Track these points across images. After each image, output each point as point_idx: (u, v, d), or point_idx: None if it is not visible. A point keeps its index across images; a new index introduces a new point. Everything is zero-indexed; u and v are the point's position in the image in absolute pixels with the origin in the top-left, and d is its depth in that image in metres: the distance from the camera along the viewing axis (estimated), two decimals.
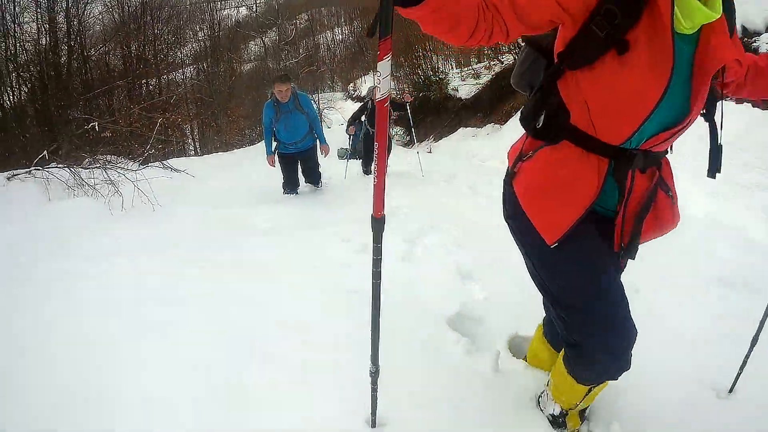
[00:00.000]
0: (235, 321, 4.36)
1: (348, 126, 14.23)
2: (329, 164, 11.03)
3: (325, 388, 3.57)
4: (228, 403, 3.40)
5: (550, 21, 2.26)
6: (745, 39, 11.60)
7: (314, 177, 11.57)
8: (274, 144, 10.75)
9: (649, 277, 5.17)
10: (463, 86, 26.88)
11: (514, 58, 22.07)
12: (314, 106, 11.39)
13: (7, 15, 22.10)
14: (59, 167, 9.75)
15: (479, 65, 29.09)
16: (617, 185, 2.51)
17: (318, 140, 11.04)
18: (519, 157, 2.76)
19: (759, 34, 11.45)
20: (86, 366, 3.72)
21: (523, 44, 2.88)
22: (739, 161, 9.07)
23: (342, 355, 3.89)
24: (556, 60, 2.47)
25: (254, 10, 62.78)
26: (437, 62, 35.67)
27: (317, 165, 11.46)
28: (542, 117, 2.60)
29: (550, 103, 2.54)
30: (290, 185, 11.22)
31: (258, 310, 4.58)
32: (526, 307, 4.62)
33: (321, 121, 12.32)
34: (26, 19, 23.36)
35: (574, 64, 2.34)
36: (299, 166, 11.24)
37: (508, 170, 2.92)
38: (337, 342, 4.07)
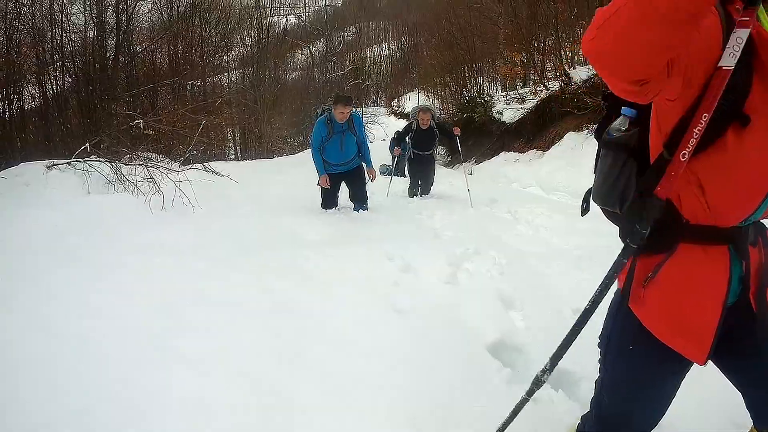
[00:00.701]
0: (283, 329, 4.36)
1: (393, 146, 13.97)
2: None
3: (368, 403, 3.55)
4: (271, 411, 3.38)
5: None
6: None
7: (362, 198, 10.65)
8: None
9: None
10: (508, 110, 26.86)
11: (561, 85, 21.94)
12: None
13: (55, 4, 22.30)
14: (100, 161, 9.76)
15: (525, 89, 29.08)
16: (740, 267, 2.19)
17: (364, 163, 10.58)
18: (634, 282, 2.35)
19: None
20: (131, 360, 3.72)
21: (603, 153, 2.47)
22: None
23: (389, 373, 3.87)
24: (653, 156, 2.17)
25: (303, 19, 63.22)
26: (483, 83, 35.76)
27: (365, 185, 10.73)
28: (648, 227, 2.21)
29: (653, 207, 2.16)
30: (329, 204, 10.55)
31: (305, 320, 4.58)
32: None
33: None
34: (74, 10, 23.57)
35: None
36: (344, 186, 10.67)
37: (618, 302, 2.49)
38: (384, 360, 4.03)
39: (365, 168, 10.57)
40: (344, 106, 9.82)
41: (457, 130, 13.12)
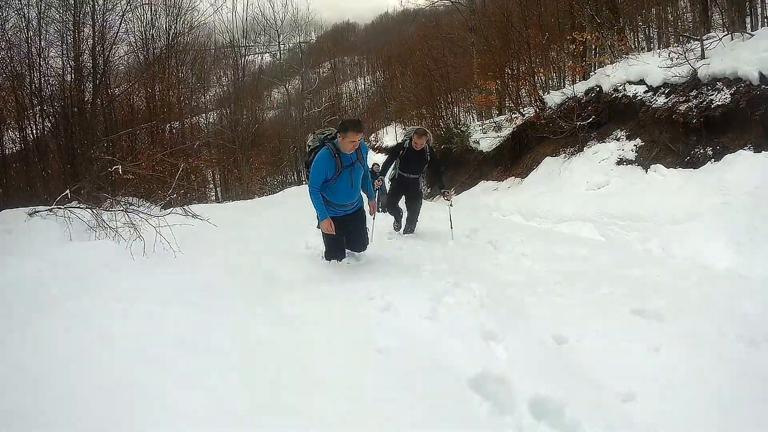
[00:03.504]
0: (265, 373, 4.35)
1: (376, 178, 12.26)
2: None
3: None
4: None
5: None
6: (763, 86, 11.71)
7: (364, 243, 9.17)
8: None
9: (672, 338, 5.14)
10: (485, 139, 27.03)
11: (536, 111, 22.12)
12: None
13: (33, 48, 22.36)
14: (81, 207, 9.76)
15: (501, 117, 29.26)
16: None
17: (366, 195, 9.04)
18: None
19: None
20: (116, 411, 3.70)
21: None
22: (761, 211, 9.17)
23: (370, 414, 3.87)
24: None
25: (278, 57, 63.24)
26: (459, 114, 35.92)
27: (365, 225, 9.19)
28: None
29: None
30: (338, 252, 8.91)
31: (290, 365, 4.57)
32: (548, 367, 4.59)
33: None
34: (52, 54, 23.66)
35: None
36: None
37: None
38: (365, 401, 4.04)
39: (365, 202, 9.06)
40: (356, 134, 8.05)
41: (449, 195, 12.12)
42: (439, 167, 12.45)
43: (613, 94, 17.78)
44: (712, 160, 12.44)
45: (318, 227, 8.61)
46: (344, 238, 8.90)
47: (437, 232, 12.63)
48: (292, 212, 11.64)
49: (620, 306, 6.20)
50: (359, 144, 8.30)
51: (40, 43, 22.74)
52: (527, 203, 17.39)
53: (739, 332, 5.36)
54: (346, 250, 9.11)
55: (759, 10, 18.80)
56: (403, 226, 12.71)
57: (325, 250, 9.05)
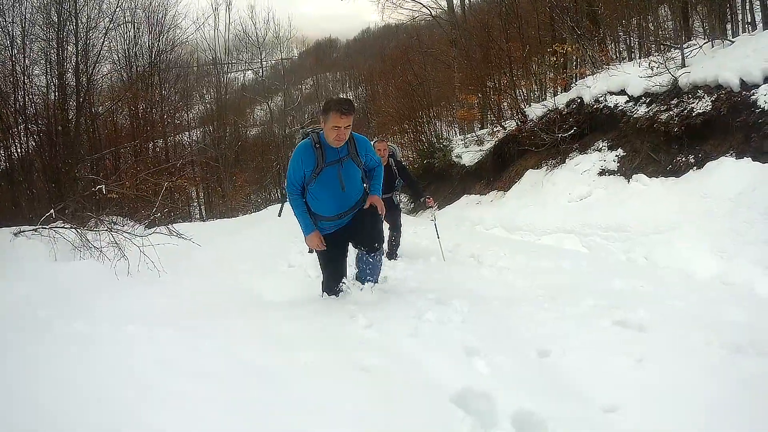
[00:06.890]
0: (253, 397, 4.28)
1: None
2: None
3: None
4: None
5: None
6: (744, 92, 11.75)
7: (375, 237, 6.95)
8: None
9: (656, 348, 5.16)
10: (467, 153, 27.08)
11: (517, 124, 22.18)
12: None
13: (17, 66, 22.31)
14: (66, 227, 9.76)
15: (483, 131, 29.36)
16: None
17: (369, 190, 6.94)
18: None
19: (757, 86, 11.70)
20: None
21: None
22: (743, 217, 9.24)
23: None
24: None
25: (260, 74, 63.27)
26: (441, 128, 35.99)
27: (380, 224, 7.13)
28: None
29: None
30: (335, 281, 7.13)
31: (275, 386, 4.51)
32: (531, 381, 4.60)
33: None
34: (36, 72, 23.66)
35: None
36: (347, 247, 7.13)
37: None
38: (348, 421, 3.97)
39: (370, 197, 6.86)
40: (341, 116, 6.01)
41: (430, 202, 12.30)
42: (410, 177, 11.97)
43: (594, 105, 17.86)
44: (695, 168, 12.51)
45: (310, 251, 7.18)
46: (346, 260, 7.24)
47: (421, 247, 12.60)
48: (274, 231, 11.59)
49: (603, 317, 6.20)
50: (353, 137, 6.54)
51: (25, 61, 22.76)
52: (510, 216, 17.45)
53: (724, 340, 5.37)
54: (355, 281, 7.26)
55: (739, 16, 18.86)
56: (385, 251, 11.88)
57: (323, 278, 7.33)
